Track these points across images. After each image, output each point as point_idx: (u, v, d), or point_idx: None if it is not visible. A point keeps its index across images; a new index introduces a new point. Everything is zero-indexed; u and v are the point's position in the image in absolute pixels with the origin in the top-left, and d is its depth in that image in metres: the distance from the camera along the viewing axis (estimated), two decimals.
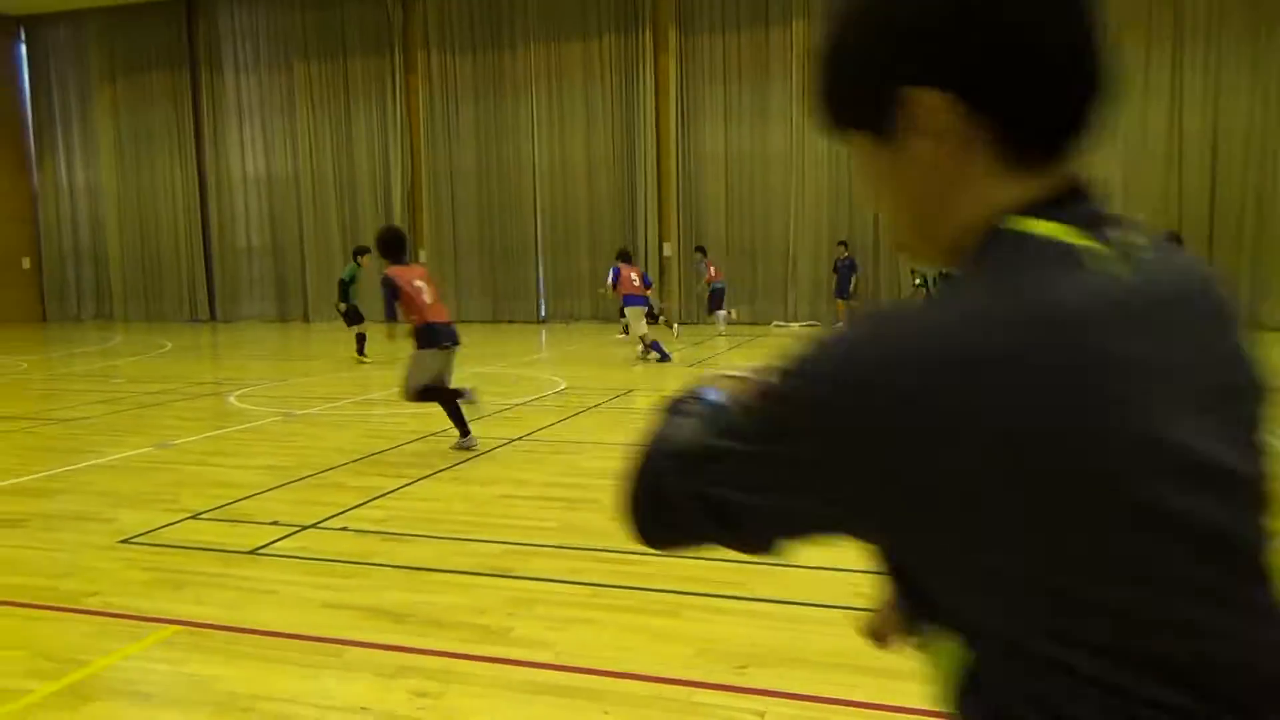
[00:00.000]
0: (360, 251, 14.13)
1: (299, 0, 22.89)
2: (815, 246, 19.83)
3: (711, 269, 18.13)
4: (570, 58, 21.06)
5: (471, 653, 3.44)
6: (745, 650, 3.44)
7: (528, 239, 21.90)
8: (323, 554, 4.68)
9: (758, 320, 20.11)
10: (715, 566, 4.35)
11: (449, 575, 4.31)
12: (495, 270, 22.17)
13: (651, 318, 14.97)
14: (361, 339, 13.77)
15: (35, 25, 25.35)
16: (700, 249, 18.75)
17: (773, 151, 19.96)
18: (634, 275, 13.66)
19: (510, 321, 21.86)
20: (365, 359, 13.62)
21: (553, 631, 3.64)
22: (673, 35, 20.29)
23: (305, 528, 5.14)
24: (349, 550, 4.73)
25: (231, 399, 10.34)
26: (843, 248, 18.43)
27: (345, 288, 14.08)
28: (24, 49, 25.77)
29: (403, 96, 22.36)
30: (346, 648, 3.52)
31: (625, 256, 14.32)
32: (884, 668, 3.24)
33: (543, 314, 21.98)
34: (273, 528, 5.14)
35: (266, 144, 23.84)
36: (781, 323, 19.57)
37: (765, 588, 4.07)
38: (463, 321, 21.85)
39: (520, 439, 7.61)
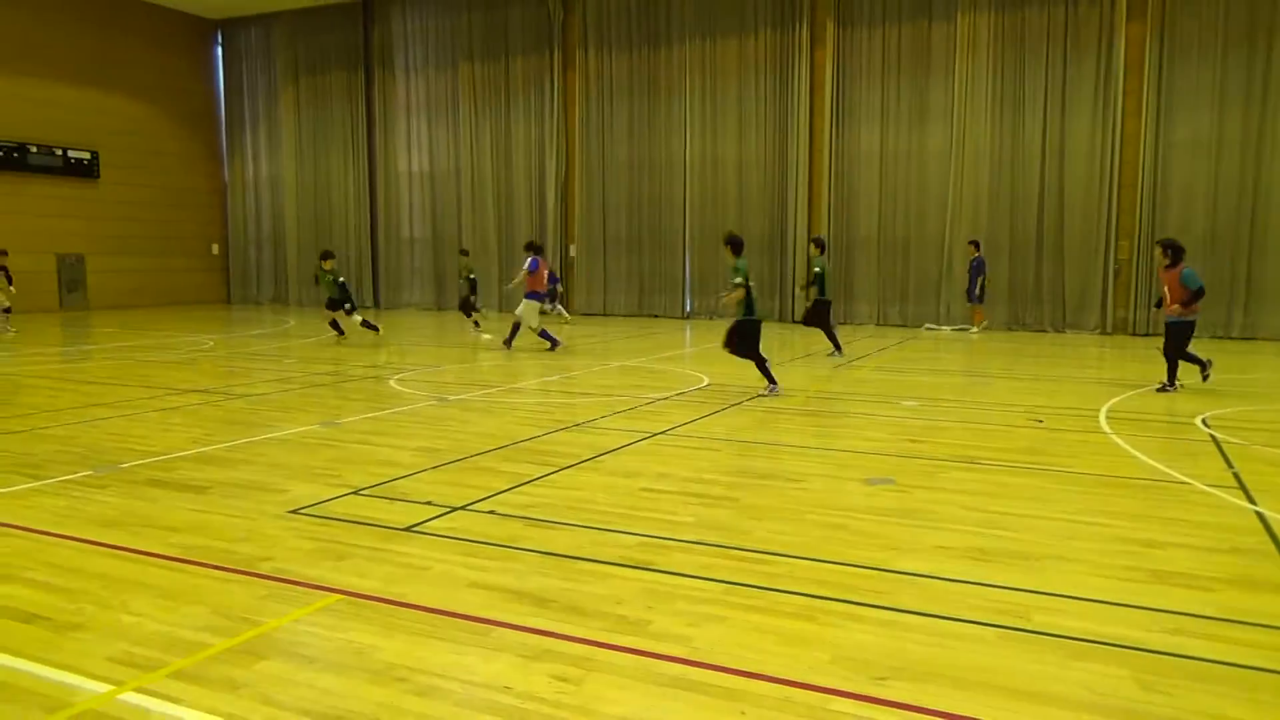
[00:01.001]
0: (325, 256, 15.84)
1: (466, 3, 23.78)
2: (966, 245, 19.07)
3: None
4: (725, 54, 21.04)
5: (611, 642, 3.52)
6: (884, 660, 3.37)
7: (676, 235, 22.03)
8: (471, 535, 4.87)
9: (908, 322, 19.54)
10: (852, 572, 4.27)
11: (590, 564, 4.41)
12: (643, 265, 22.43)
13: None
14: (335, 325, 15.65)
15: (231, 28, 27.43)
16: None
17: (931, 149, 19.31)
18: (545, 271, 14.23)
19: (655, 316, 22.07)
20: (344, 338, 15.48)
21: (689, 627, 3.67)
22: (830, 30, 19.93)
23: (456, 509, 5.37)
24: (496, 533, 4.91)
25: (391, 382, 10.89)
26: (974, 247, 17.66)
27: (344, 288, 15.68)
28: (220, 51, 27.90)
29: (560, 95, 22.90)
30: (492, 628, 3.67)
31: (540, 250, 14.44)
32: (1034, 691, 3.11)
33: (688, 309, 22.07)
34: (426, 507, 5.40)
35: (430, 141, 24.94)
36: (933, 325, 18.95)
37: (907, 597, 3.97)
38: (608, 315, 22.21)
39: (663, 433, 7.68)
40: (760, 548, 4.66)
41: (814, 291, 13.32)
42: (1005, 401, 9.46)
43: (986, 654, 3.44)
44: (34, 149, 23.09)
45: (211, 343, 15.40)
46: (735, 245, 9.85)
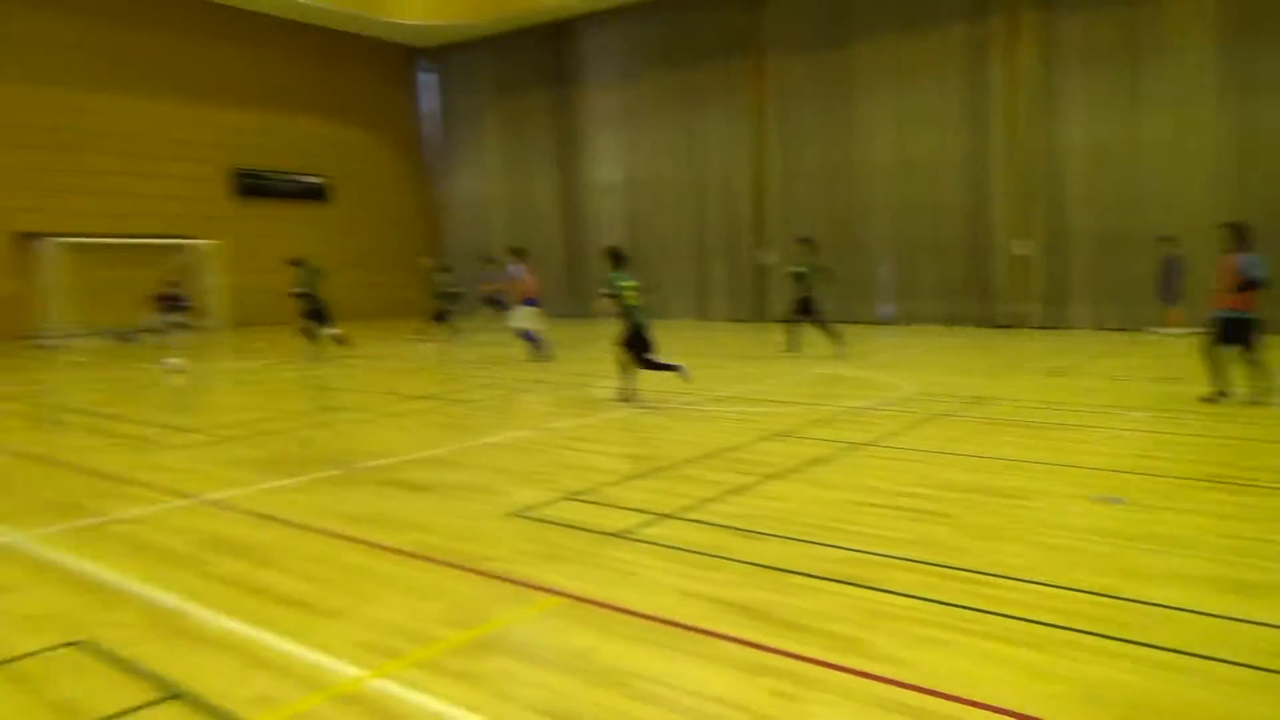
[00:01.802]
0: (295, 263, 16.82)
1: (653, 14, 24.24)
2: (1201, 243, 17.45)
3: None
4: (917, 50, 20.35)
5: (827, 660, 3.49)
6: (1137, 701, 3.15)
7: (870, 240, 21.48)
8: (679, 543, 4.97)
9: (1125, 325, 18.10)
10: (1087, 599, 4.02)
11: (801, 578, 4.39)
12: (840, 270, 22.01)
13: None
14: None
15: (440, 56, 29.28)
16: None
17: (1146, 139, 17.85)
18: (531, 278, 14.97)
19: (855, 322, 21.60)
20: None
21: (908, 649, 3.57)
22: (1029, 19, 18.85)
23: (664, 516, 5.49)
24: (704, 542, 4.98)
25: (597, 389, 11.25)
26: (1169, 243, 16.08)
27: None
28: (436, 79, 29.85)
29: (751, 99, 22.90)
30: (706, 638, 3.72)
31: (523, 256, 15.30)
32: None
33: (884, 315, 21.47)
34: (636, 514, 5.55)
35: (624, 152, 25.60)
36: (1157, 328, 17.46)
37: (1159, 631, 3.69)
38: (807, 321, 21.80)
39: (868, 444, 7.52)
40: (981, 568, 4.47)
41: (802, 289, 13.33)
42: (1253, 416, 8.58)
43: (1262, 704, 3.15)
44: (278, 177, 25.62)
45: (430, 351, 16.47)
46: (615, 258, 10.32)
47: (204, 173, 24.02)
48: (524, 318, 14.72)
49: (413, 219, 29.35)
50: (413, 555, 4.85)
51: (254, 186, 25.12)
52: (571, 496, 6.03)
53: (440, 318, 18.89)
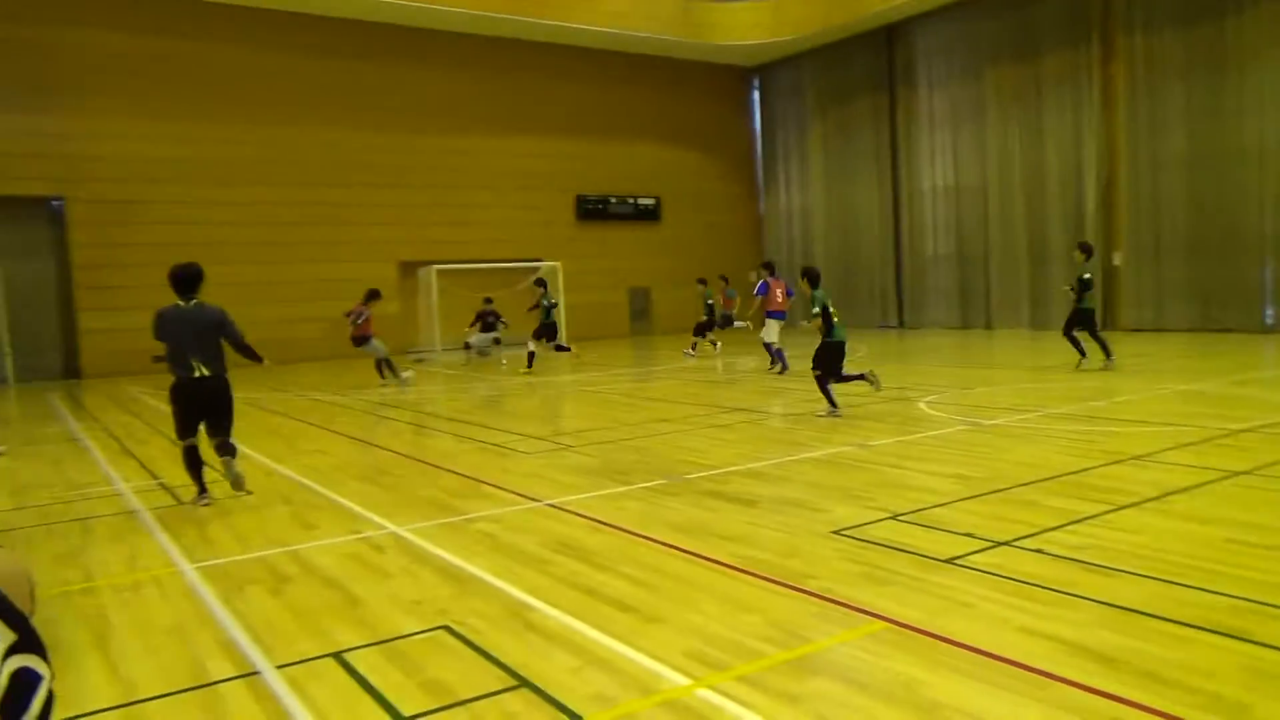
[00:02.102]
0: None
1: (992, 7, 22.83)
2: None
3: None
4: None
5: None
6: None
7: (1249, 235, 18.63)
8: (1018, 574, 4.59)
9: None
10: None
11: (1165, 624, 3.88)
12: (1206, 272, 19.34)
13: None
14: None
15: (766, 73, 29.76)
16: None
17: None
18: (779, 291, 14.94)
19: (1224, 330, 18.85)
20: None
21: None
22: None
23: (999, 544, 5.12)
24: (1045, 575, 4.57)
25: (921, 405, 10.79)
26: None
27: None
28: (757, 95, 30.41)
29: (1099, 88, 20.85)
30: (1050, 682, 3.40)
31: (772, 269, 15.31)
32: None
33: (1268, 321, 18.52)
34: (966, 539, 5.22)
35: (955, 155, 24.36)
36: None
37: None
38: (1161, 330, 19.53)
39: (1247, 473, 6.50)
40: None
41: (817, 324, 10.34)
42: None
43: None
44: (614, 200, 27.46)
45: (753, 364, 16.74)
46: (812, 278, 10.59)
47: (551, 200, 26.35)
48: (769, 331, 15.04)
49: (741, 235, 30.05)
50: (734, 568, 4.93)
51: (592, 210, 27.11)
52: (896, 516, 5.82)
53: (702, 331, 19.21)
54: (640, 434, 9.66)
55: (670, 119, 28.23)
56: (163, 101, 20.75)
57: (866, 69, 26.36)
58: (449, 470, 8.09)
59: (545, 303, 17.49)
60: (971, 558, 4.90)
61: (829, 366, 10.24)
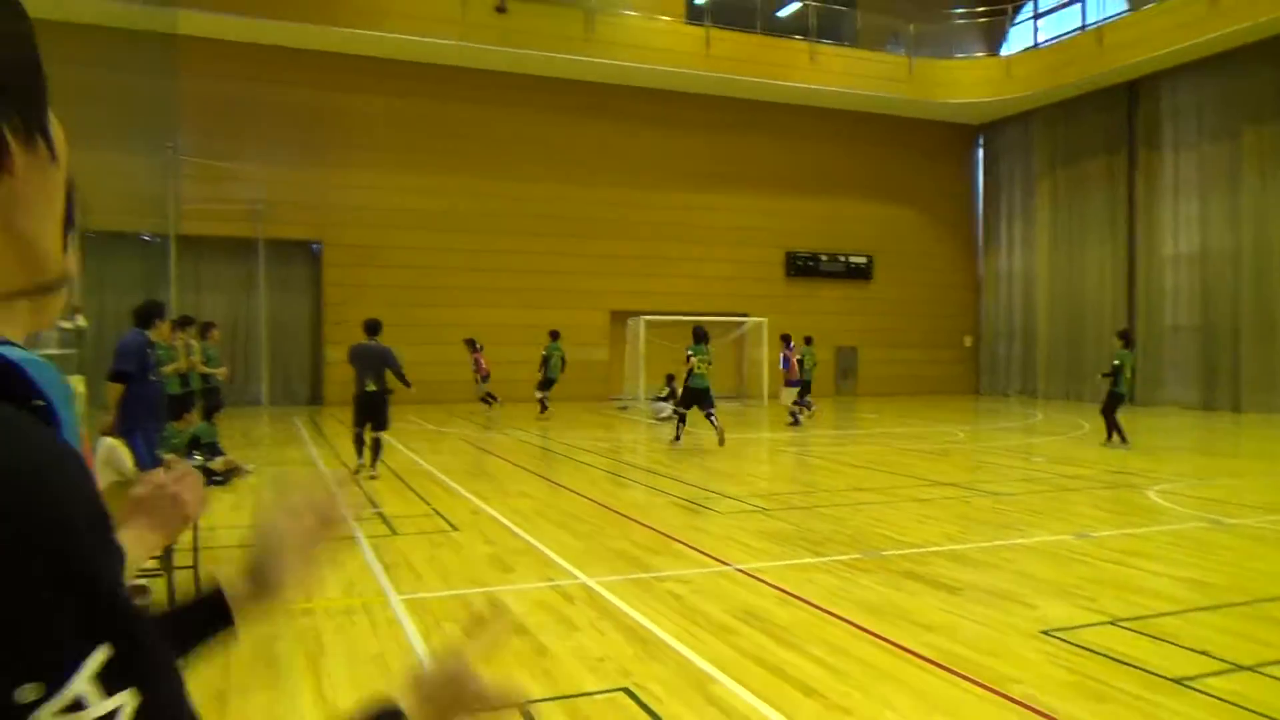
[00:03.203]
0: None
1: (1251, 63, 20.92)
2: None
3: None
4: None
5: None
6: None
7: None
8: (1263, 708, 4.05)
9: None
10: None
11: None
12: None
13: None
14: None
15: (991, 131, 28.67)
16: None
17: None
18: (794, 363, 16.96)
19: None
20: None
21: None
22: None
23: (1241, 668, 4.54)
24: None
25: (1150, 493, 9.85)
26: None
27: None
28: (980, 153, 29.33)
29: None
30: None
31: (788, 341, 17.10)
32: None
33: None
34: (1201, 658, 4.67)
35: (1202, 219, 22.38)
36: None
37: None
38: None
39: None
40: None
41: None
42: None
43: None
44: (824, 257, 27.18)
45: (962, 434, 15.94)
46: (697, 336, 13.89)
47: (762, 256, 26.44)
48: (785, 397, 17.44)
49: (957, 296, 28.91)
50: (930, 661, 4.65)
51: (803, 267, 26.95)
52: (1116, 622, 5.30)
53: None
54: (838, 501, 9.39)
55: (887, 176, 27.70)
56: (408, 156, 22.69)
57: (1102, 127, 24.79)
58: (641, 523, 8.18)
59: (548, 354, 19.16)
60: (1207, 680, 4.38)
61: (688, 402, 13.92)
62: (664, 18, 24.35)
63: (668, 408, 19.59)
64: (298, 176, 21.78)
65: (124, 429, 6.13)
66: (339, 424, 17.67)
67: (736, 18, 24.74)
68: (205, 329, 12.64)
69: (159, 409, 6.18)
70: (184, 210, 20.58)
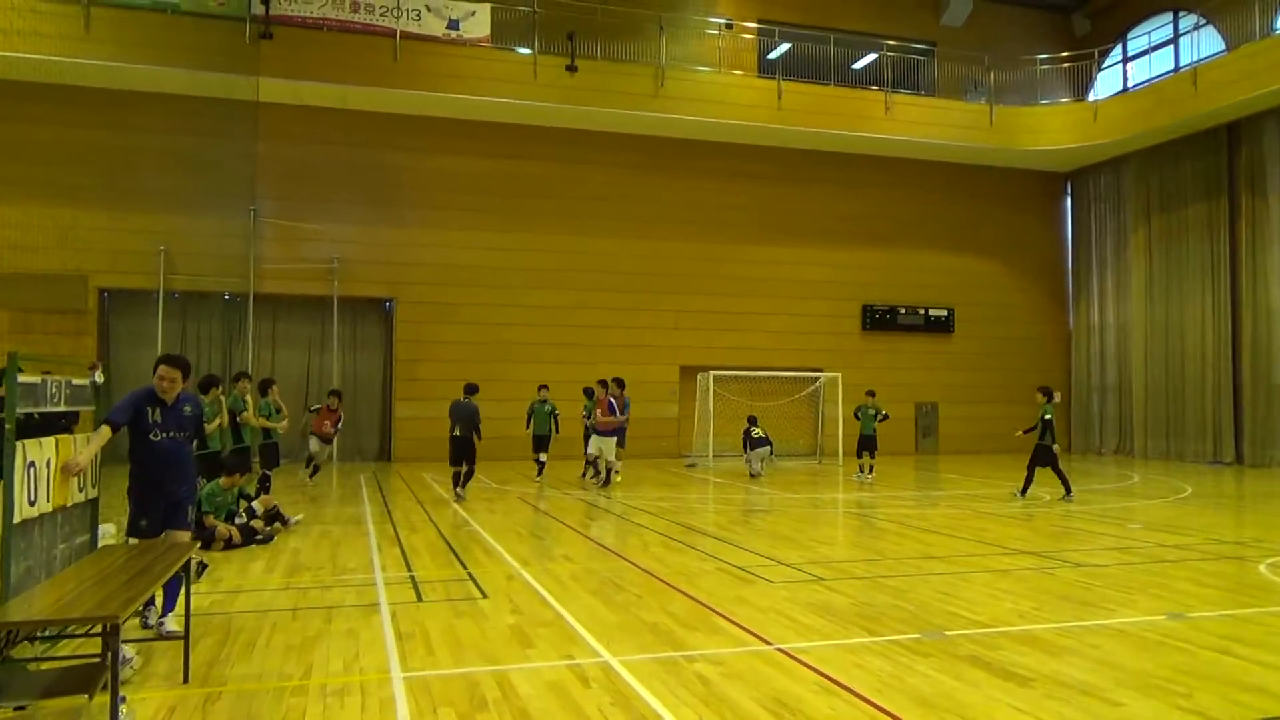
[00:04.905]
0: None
1: None
2: None
3: None
4: None
5: None
6: None
7: None
8: None
9: None
10: None
11: None
12: None
13: None
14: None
15: (1080, 178, 27.58)
16: None
17: None
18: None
19: None
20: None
21: None
22: None
23: None
24: None
25: (1261, 568, 8.82)
26: None
27: None
28: (1069, 202, 28.19)
29: None
30: None
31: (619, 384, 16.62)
32: None
33: None
34: None
35: None
36: None
37: None
38: None
39: None
40: None
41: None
42: None
43: None
44: (903, 310, 26.29)
45: (1048, 496, 14.87)
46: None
47: (837, 309, 25.72)
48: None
49: (1044, 350, 27.57)
50: None
51: (880, 320, 26.11)
52: None
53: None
54: (903, 571, 8.65)
55: (968, 226, 26.77)
56: (479, 215, 22.87)
57: (1201, 172, 23.51)
58: (684, 593, 7.61)
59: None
60: None
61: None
62: (736, 72, 24.22)
63: (757, 457, 18.94)
64: (371, 235, 22.14)
65: (131, 487, 5.93)
66: (400, 480, 17.56)
67: (810, 70, 24.47)
68: (264, 385, 12.65)
69: (172, 467, 5.93)
70: (263, 270, 21.10)
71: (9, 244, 17.94)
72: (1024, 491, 14.85)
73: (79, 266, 19.85)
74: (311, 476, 16.30)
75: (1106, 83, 26.66)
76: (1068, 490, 14.56)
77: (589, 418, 16.85)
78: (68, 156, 19.70)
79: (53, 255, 19.41)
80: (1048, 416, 14.63)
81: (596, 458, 16.23)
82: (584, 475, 17.22)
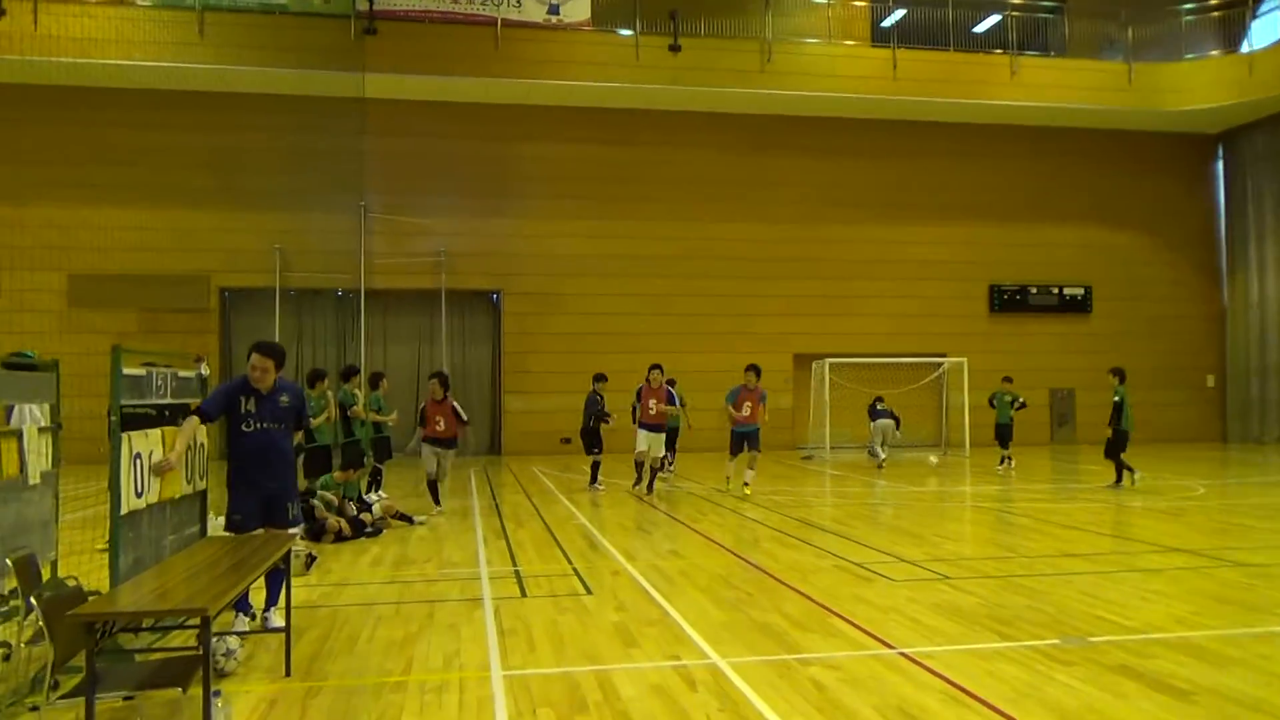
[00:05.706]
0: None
1: None
2: None
3: None
4: None
5: None
6: None
7: None
8: None
9: None
10: None
11: None
12: None
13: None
14: None
15: (1233, 139, 25.41)
16: None
17: None
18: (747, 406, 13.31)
19: None
20: None
21: None
22: None
23: None
24: None
25: None
26: None
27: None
28: (1220, 165, 26.02)
29: None
30: None
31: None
32: None
33: None
34: None
35: None
36: None
37: None
38: None
39: None
40: None
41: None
42: None
43: None
44: (1034, 290, 24.86)
45: (1202, 490, 13.67)
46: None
47: (961, 290, 24.54)
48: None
49: (1194, 329, 25.58)
50: None
51: (1009, 301, 24.78)
52: None
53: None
54: (1039, 570, 7.97)
55: (1104, 197, 25.04)
56: (585, 203, 22.80)
57: None
58: (798, 591, 7.19)
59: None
60: None
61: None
62: (847, 42, 23.34)
63: (879, 430, 18.25)
64: (476, 227, 22.34)
65: (228, 479, 5.93)
66: (510, 473, 17.63)
67: (927, 36, 23.32)
68: (375, 379, 12.81)
69: (265, 460, 5.89)
70: (373, 265, 21.58)
71: (134, 246, 18.94)
72: (1118, 482, 14.02)
73: (200, 267, 20.78)
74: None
75: (1263, 32, 24.30)
76: (1118, 479, 13.90)
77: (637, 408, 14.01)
78: (184, 160, 20.61)
79: (175, 256, 20.41)
80: (1118, 399, 14.06)
81: (641, 461, 13.72)
82: (635, 484, 14.16)
